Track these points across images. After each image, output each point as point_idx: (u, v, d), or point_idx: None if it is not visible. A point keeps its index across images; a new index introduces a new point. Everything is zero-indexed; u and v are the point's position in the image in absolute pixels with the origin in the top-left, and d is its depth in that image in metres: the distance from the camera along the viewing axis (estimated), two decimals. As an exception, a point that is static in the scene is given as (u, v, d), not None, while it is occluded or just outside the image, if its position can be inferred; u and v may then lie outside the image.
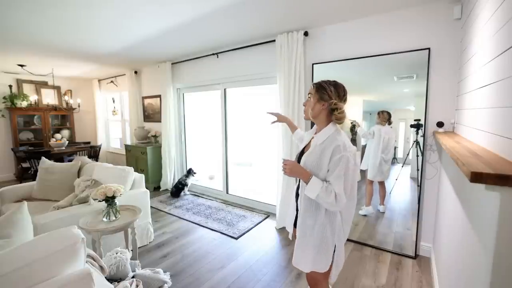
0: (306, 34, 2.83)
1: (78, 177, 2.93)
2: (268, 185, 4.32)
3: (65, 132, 6.09)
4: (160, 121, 4.77)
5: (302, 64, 2.83)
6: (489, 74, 1.19)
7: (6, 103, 5.26)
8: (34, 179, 3.07)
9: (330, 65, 2.75)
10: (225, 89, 3.93)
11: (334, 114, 1.29)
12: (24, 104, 5.34)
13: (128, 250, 2.22)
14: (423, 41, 2.24)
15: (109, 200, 2.01)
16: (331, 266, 1.35)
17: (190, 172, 4.38)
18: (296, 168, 1.30)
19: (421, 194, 2.40)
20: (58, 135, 5.86)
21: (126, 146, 5.05)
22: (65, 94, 6.19)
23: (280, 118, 1.88)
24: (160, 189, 4.68)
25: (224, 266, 2.32)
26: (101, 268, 1.37)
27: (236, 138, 4.73)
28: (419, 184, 2.38)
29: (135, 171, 2.83)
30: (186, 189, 4.33)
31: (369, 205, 2.72)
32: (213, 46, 3.59)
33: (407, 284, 2.05)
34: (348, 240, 2.68)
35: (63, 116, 6.15)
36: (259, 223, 3.23)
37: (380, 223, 2.66)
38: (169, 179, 4.61)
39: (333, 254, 1.33)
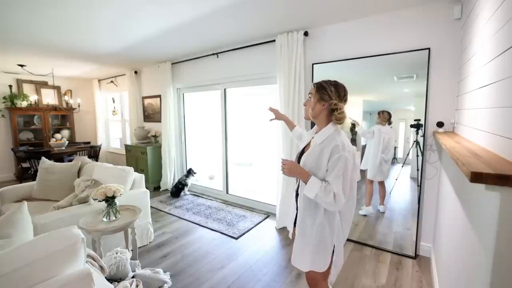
0: (306, 34, 2.83)
1: (78, 177, 2.93)
2: (268, 185, 4.32)
3: (65, 132, 6.09)
4: (160, 121, 4.78)
5: (302, 64, 2.83)
6: (489, 74, 1.19)
7: (6, 103, 5.26)
8: (34, 179, 3.07)
9: (330, 65, 2.76)
10: (225, 89, 3.93)
11: (334, 115, 1.29)
12: (24, 104, 5.34)
13: (128, 250, 2.22)
14: (423, 41, 2.24)
15: (109, 200, 2.01)
16: (330, 266, 1.35)
17: (190, 172, 4.38)
18: (295, 168, 1.30)
19: (421, 194, 2.40)
20: (58, 135, 5.86)
21: (126, 146, 5.05)
22: (65, 94, 6.19)
23: (278, 116, 1.89)
24: (160, 189, 4.68)
25: (224, 266, 2.32)
26: (101, 268, 1.37)
27: (236, 138, 4.73)
28: (419, 184, 2.38)
29: (135, 171, 2.83)
30: (186, 189, 4.33)
31: (369, 205, 2.72)
32: (213, 46, 3.59)
33: (407, 284, 2.05)
34: (348, 240, 2.68)
35: (63, 116, 6.15)
36: (259, 223, 3.23)
37: (380, 223, 2.66)
38: (169, 179, 4.61)
39: (332, 254, 1.33)
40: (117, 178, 2.57)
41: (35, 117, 5.69)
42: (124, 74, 5.42)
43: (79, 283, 0.94)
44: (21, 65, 4.48)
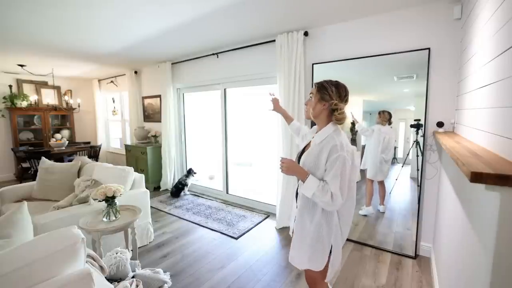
0: (306, 34, 2.83)
1: (78, 177, 2.93)
2: (268, 185, 4.32)
3: (65, 132, 6.09)
4: (160, 121, 4.78)
5: (302, 64, 2.83)
6: (489, 74, 1.19)
7: (6, 103, 5.26)
8: (34, 179, 3.07)
9: (330, 65, 2.76)
10: (225, 89, 3.93)
11: (334, 115, 1.29)
12: (24, 104, 5.34)
13: (128, 250, 2.22)
14: (423, 41, 2.24)
15: (109, 200, 2.01)
16: (327, 265, 1.35)
17: (190, 172, 4.38)
18: (293, 167, 1.30)
19: (421, 194, 2.40)
20: (58, 135, 5.86)
21: (126, 146, 5.05)
22: (65, 94, 6.19)
23: (277, 108, 1.89)
24: (160, 189, 4.68)
25: (224, 266, 2.32)
26: (101, 268, 1.37)
27: (236, 138, 4.74)
28: (419, 184, 2.38)
29: (135, 171, 2.83)
30: (186, 189, 4.33)
31: (369, 205, 2.72)
32: (213, 46, 3.59)
33: (407, 284, 2.05)
34: (348, 240, 2.68)
35: (63, 116, 6.15)
36: (259, 223, 3.23)
37: (380, 223, 2.66)
38: (169, 179, 4.62)
39: (330, 254, 1.33)
40: (117, 178, 2.57)
41: (35, 117, 5.69)
42: (124, 74, 5.42)
43: (79, 283, 0.94)
44: (21, 65, 4.48)
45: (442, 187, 2.11)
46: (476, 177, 0.76)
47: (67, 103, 5.72)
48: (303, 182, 1.26)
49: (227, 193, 4.13)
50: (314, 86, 1.36)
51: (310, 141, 1.41)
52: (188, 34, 3.06)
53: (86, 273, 0.97)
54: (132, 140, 5.46)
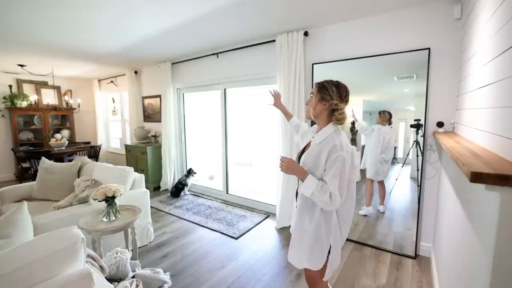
0: (306, 34, 2.83)
1: (78, 177, 2.93)
2: (268, 185, 4.32)
3: (65, 132, 6.09)
4: (160, 121, 4.78)
5: (302, 64, 2.83)
6: (489, 74, 1.19)
7: (6, 103, 5.26)
8: (34, 179, 3.07)
9: (330, 65, 2.76)
10: (225, 89, 3.93)
11: (334, 115, 1.30)
12: (24, 104, 5.34)
13: (128, 250, 2.22)
14: (423, 41, 2.24)
15: (109, 200, 2.01)
16: (325, 265, 1.35)
17: (190, 172, 4.38)
18: (292, 166, 1.31)
19: (421, 194, 2.40)
20: (58, 135, 5.86)
21: (126, 146, 5.05)
22: (65, 94, 6.19)
23: (278, 103, 1.88)
24: (160, 189, 4.68)
25: (224, 266, 2.32)
26: (101, 268, 1.37)
27: (236, 138, 4.74)
28: (419, 184, 2.38)
29: (135, 171, 2.83)
30: (186, 189, 4.33)
31: (369, 205, 2.72)
32: (213, 46, 3.59)
33: (407, 284, 2.05)
34: (348, 240, 2.68)
35: (63, 116, 6.15)
36: (259, 223, 3.23)
37: (380, 223, 2.66)
38: (169, 179, 4.62)
39: (328, 254, 1.34)
40: (117, 178, 2.57)
41: (35, 117, 5.69)
42: (124, 74, 5.42)
43: (79, 283, 0.94)
44: (21, 65, 4.48)
45: (442, 187, 2.11)
46: (476, 177, 0.76)
47: (67, 103, 5.72)
48: (302, 181, 1.27)
49: (227, 193, 4.13)
50: (314, 86, 1.37)
51: (310, 141, 1.42)
52: (188, 34, 3.06)
53: (86, 273, 0.97)
54: (132, 140, 5.46)
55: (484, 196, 0.96)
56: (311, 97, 1.39)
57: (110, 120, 6.53)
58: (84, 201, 2.38)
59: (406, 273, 2.19)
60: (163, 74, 4.47)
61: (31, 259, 0.92)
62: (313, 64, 2.87)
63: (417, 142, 2.37)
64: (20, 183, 3.90)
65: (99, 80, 6.29)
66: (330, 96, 1.29)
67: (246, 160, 5.81)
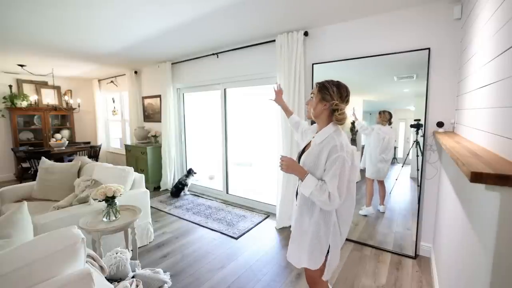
0: (306, 34, 2.83)
1: (78, 177, 2.93)
2: (268, 185, 4.32)
3: (65, 132, 6.09)
4: (160, 121, 4.78)
5: (302, 64, 2.83)
6: (489, 74, 1.19)
7: (6, 103, 5.26)
8: (34, 179, 3.06)
9: (330, 65, 2.76)
10: (225, 89, 3.93)
11: (334, 115, 1.30)
12: (24, 104, 5.34)
13: (128, 250, 2.22)
14: (423, 41, 2.24)
15: (109, 200, 2.01)
16: (324, 264, 1.35)
17: (190, 172, 4.38)
18: (292, 165, 1.31)
19: (421, 194, 2.40)
20: (58, 135, 5.86)
21: (126, 146, 5.05)
22: (65, 94, 6.19)
23: (279, 99, 1.88)
24: (160, 189, 4.68)
25: (224, 266, 2.32)
26: (101, 268, 1.37)
27: (236, 138, 4.74)
28: (419, 184, 2.38)
29: (135, 171, 2.83)
30: (186, 189, 4.33)
31: (369, 205, 2.72)
32: (213, 46, 3.59)
33: (407, 284, 2.05)
34: (348, 240, 2.68)
35: (63, 116, 6.15)
36: (259, 223, 3.23)
37: (380, 223, 2.66)
38: (169, 179, 4.61)
39: (327, 253, 1.34)
40: (117, 178, 2.57)
41: (35, 117, 5.69)
42: (124, 74, 5.42)
43: (79, 283, 0.94)
44: (21, 65, 4.48)
45: (442, 187, 2.11)
46: (476, 177, 0.76)
47: (67, 103, 5.72)
48: (302, 180, 1.27)
49: (227, 193, 4.13)
50: (315, 86, 1.37)
51: (310, 141, 1.42)
52: (188, 34, 3.06)
53: (86, 273, 0.97)
54: (132, 140, 5.46)
55: (484, 196, 0.96)
56: (311, 97, 1.39)
57: (110, 120, 6.53)
58: (84, 201, 2.38)
59: (406, 273, 2.19)
60: (163, 74, 4.47)
61: (31, 259, 0.92)
62: (313, 64, 2.87)
63: (417, 142, 2.37)
64: (20, 183, 3.90)
65: (99, 80, 6.29)
66: (331, 96, 1.29)
67: (246, 160, 5.81)
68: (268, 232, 3.02)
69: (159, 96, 4.84)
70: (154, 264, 2.35)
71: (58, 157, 4.86)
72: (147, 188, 2.90)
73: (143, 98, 5.28)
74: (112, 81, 5.87)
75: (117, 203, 2.08)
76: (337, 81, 1.34)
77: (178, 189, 4.25)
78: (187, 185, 4.32)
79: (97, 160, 5.29)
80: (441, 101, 2.22)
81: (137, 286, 1.78)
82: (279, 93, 1.89)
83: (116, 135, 6.62)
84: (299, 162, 1.37)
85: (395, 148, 2.61)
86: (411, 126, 2.39)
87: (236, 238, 2.84)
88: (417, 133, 2.36)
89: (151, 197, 2.96)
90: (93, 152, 5.31)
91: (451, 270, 1.49)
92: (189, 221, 3.30)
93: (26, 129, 5.62)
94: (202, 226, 3.16)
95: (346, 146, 1.24)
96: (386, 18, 2.41)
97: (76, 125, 6.33)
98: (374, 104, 2.67)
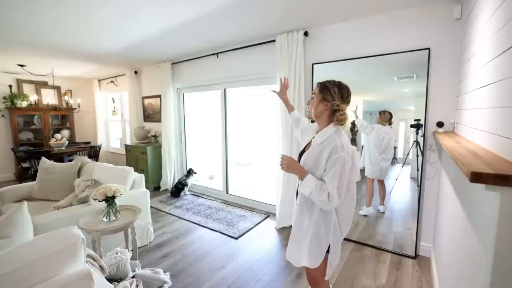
0: (306, 34, 2.83)
1: (78, 177, 2.93)
2: (268, 185, 4.32)
3: (65, 132, 6.09)
4: (160, 121, 4.78)
5: (302, 64, 2.83)
6: (489, 74, 1.19)
7: (6, 103, 5.26)
8: (34, 179, 3.06)
9: (330, 65, 2.76)
10: (225, 89, 3.93)
11: (335, 116, 1.29)
12: (24, 104, 5.34)
13: (128, 250, 2.22)
14: (423, 41, 2.24)
15: (109, 200, 2.01)
16: (325, 263, 1.35)
17: (190, 172, 4.38)
18: (293, 164, 1.32)
19: (421, 194, 2.40)
20: (58, 135, 5.86)
21: (126, 146, 5.05)
22: (65, 94, 6.19)
23: (283, 93, 1.84)
24: (160, 189, 4.68)
25: (224, 266, 2.32)
26: (101, 268, 1.37)
27: (236, 138, 4.74)
28: (419, 184, 2.38)
29: (135, 171, 2.83)
30: (186, 189, 4.33)
31: (369, 205, 2.72)
32: (213, 46, 3.59)
33: (407, 284, 2.05)
34: (348, 240, 2.68)
35: (63, 116, 6.15)
36: (259, 223, 3.23)
37: (380, 223, 2.66)
38: (169, 179, 4.61)
39: (327, 253, 1.34)
40: (117, 178, 2.57)
41: (35, 117, 5.69)
42: (124, 74, 5.42)
43: (79, 283, 0.94)
44: (21, 65, 4.48)
45: (442, 187, 2.11)
46: (476, 177, 0.76)
47: (67, 103, 5.72)
48: (302, 180, 1.27)
49: (227, 193, 4.13)
50: (316, 86, 1.36)
51: (310, 141, 1.42)
52: (188, 34, 3.06)
53: (86, 273, 0.97)
54: (132, 140, 5.46)
55: (484, 196, 0.96)
56: (312, 97, 1.39)
57: (110, 120, 6.53)
58: (84, 201, 2.38)
59: (406, 273, 2.19)
60: (163, 74, 4.47)
61: (31, 259, 0.92)
62: (313, 64, 2.87)
63: (417, 142, 2.37)
64: (20, 183, 3.90)
65: (99, 80, 6.29)
66: (332, 97, 1.29)
67: (246, 160, 5.81)
68: (268, 232, 3.02)
69: (159, 96, 4.84)
70: (154, 264, 2.35)
71: (58, 157, 4.86)
72: (147, 188, 2.90)
73: (143, 98, 5.28)
74: (112, 81, 5.87)
75: (117, 203, 2.08)
76: (338, 81, 1.34)
77: (178, 189, 4.25)
78: (187, 185, 4.32)
79: (97, 160, 5.29)
80: (441, 101, 2.22)
81: (137, 286, 1.78)
82: (284, 87, 1.86)
83: (116, 135, 6.62)
84: (299, 162, 1.37)
85: (395, 148, 2.61)
86: (411, 126, 2.39)
87: (236, 238, 2.84)
88: (417, 133, 2.36)
89: (151, 197, 2.96)
90: (93, 152, 5.31)
91: (451, 270, 1.49)
92: (189, 221, 3.30)
93: (26, 129, 5.62)
94: (202, 226, 3.16)
95: (346, 147, 1.24)
96: (386, 18, 2.41)
97: (76, 125, 6.33)
98: (374, 104, 2.67)
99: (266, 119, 4.69)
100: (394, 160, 2.62)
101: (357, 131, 2.75)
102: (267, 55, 3.24)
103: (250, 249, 2.62)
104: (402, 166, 2.59)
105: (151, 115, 5.19)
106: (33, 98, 5.42)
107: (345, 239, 2.55)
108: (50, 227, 1.95)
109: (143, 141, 5.08)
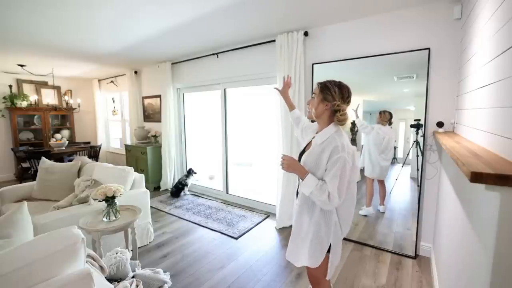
0: (306, 34, 2.83)
1: (78, 177, 2.93)
2: (268, 185, 4.32)
3: (65, 132, 6.09)
4: (160, 121, 4.78)
5: (302, 64, 2.83)
6: (489, 74, 1.19)
7: (6, 103, 5.26)
8: (34, 179, 3.06)
9: (330, 65, 2.76)
10: (225, 89, 3.93)
11: (336, 116, 1.29)
12: (24, 104, 5.34)
13: (128, 250, 2.22)
14: (423, 41, 2.24)
15: (109, 200, 2.01)
16: (327, 263, 1.35)
17: (190, 172, 4.38)
18: (293, 164, 1.32)
19: (421, 194, 2.40)
20: (58, 135, 5.86)
21: (126, 146, 5.05)
22: (65, 94, 6.19)
23: (285, 91, 1.82)
24: (160, 189, 4.68)
25: (224, 266, 2.32)
26: (101, 268, 1.37)
27: (236, 138, 4.74)
28: (419, 184, 2.38)
29: (135, 171, 2.83)
30: (186, 189, 4.33)
31: (369, 205, 2.72)
32: (213, 46, 3.59)
33: (407, 284, 2.05)
34: (348, 240, 2.68)
35: (63, 116, 6.15)
36: (259, 223, 3.23)
37: (380, 223, 2.66)
38: (169, 179, 4.61)
39: (328, 252, 1.34)
40: (117, 178, 2.57)
41: (35, 117, 5.69)
42: (124, 74, 5.42)
43: (79, 283, 0.94)
44: (21, 65, 4.48)
45: (442, 187, 2.11)
46: (476, 177, 0.76)
47: (67, 103, 5.72)
48: (302, 180, 1.28)
49: (227, 193, 4.13)
50: (317, 86, 1.36)
51: (311, 141, 1.42)
52: (188, 34, 3.06)
53: (86, 273, 0.97)
54: (132, 140, 5.46)
55: (484, 196, 0.96)
56: (313, 97, 1.38)
57: (110, 120, 6.53)
58: (84, 201, 2.38)
59: (406, 273, 2.19)
60: (163, 74, 4.47)
61: (31, 259, 0.92)
62: (313, 64, 2.87)
63: (417, 142, 2.37)
64: (20, 183, 3.90)
65: (99, 80, 6.29)
66: (332, 97, 1.29)
67: (246, 160, 5.81)
68: (268, 232, 3.02)
69: (159, 96, 4.84)
70: (154, 264, 2.35)
71: (58, 157, 4.86)
72: (147, 188, 2.90)
73: (143, 98, 5.28)
74: (112, 81, 5.87)
75: (117, 203, 2.08)
76: (339, 82, 1.34)
77: (178, 189, 4.25)
78: (187, 185, 4.32)
79: (97, 160, 5.29)
80: (441, 101, 2.22)
81: (137, 286, 1.78)
82: (286, 84, 1.83)
83: (116, 135, 6.62)
84: (299, 162, 1.37)
85: (395, 148, 2.61)
86: (411, 126, 2.39)
87: (236, 238, 2.84)
88: (417, 133, 2.36)
89: (151, 197, 2.96)
90: (93, 152, 5.31)
91: (451, 270, 1.49)
92: (189, 221, 3.30)
93: (26, 129, 5.62)
94: (202, 226, 3.16)
95: (347, 147, 1.24)
96: (386, 18, 2.41)
97: (76, 125, 6.33)
98: (374, 104, 2.67)
99: (266, 119, 4.69)
100: (394, 160, 2.62)
101: (357, 131, 2.75)
102: (267, 55, 3.24)
103: (250, 249, 2.62)
104: (402, 166, 2.59)
105: (151, 115, 5.19)
106: (33, 98, 5.42)
107: (345, 239, 2.56)
108: (50, 227, 1.95)
109: (143, 141, 5.08)
